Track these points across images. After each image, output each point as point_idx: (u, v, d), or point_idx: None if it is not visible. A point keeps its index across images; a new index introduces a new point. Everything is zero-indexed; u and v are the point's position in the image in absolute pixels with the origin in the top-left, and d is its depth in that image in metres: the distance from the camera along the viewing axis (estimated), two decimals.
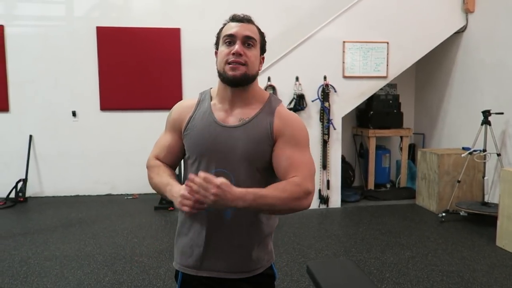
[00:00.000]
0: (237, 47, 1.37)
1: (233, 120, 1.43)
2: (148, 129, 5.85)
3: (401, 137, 5.85)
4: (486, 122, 4.44)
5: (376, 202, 5.39)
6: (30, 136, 5.67)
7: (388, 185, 5.96)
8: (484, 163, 4.65)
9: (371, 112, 5.69)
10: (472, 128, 4.82)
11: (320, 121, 5.13)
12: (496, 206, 4.10)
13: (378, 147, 5.82)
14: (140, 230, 4.31)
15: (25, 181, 5.55)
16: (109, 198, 5.72)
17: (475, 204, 4.53)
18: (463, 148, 4.85)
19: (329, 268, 2.00)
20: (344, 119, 5.37)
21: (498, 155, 4.42)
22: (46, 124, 5.69)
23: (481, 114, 4.49)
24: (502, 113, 4.43)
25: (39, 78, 5.62)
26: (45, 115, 5.68)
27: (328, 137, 5.12)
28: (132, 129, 5.84)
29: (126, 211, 5.06)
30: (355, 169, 6.16)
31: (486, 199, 4.61)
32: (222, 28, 1.45)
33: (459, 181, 4.62)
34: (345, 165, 5.80)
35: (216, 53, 1.46)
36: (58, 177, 5.79)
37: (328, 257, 1.93)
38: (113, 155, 5.85)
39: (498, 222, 3.79)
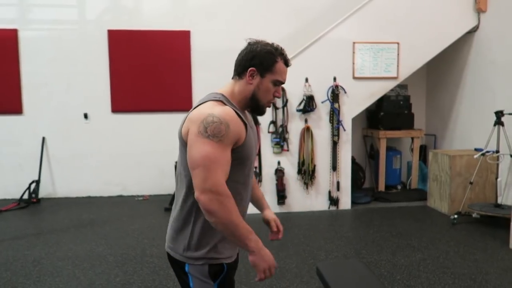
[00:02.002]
0: (280, 93, 1.58)
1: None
2: (159, 131, 5.92)
3: (412, 138, 5.80)
4: (499, 122, 4.38)
5: (386, 204, 5.34)
6: (43, 138, 5.76)
7: (399, 187, 5.90)
8: (497, 164, 4.59)
9: (382, 113, 5.65)
10: (485, 129, 4.76)
11: (330, 122, 5.11)
12: (509, 208, 4.04)
13: (388, 149, 5.77)
14: (150, 231, 4.34)
15: (38, 182, 5.64)
16: (120, 199, 5.77)
17: (488, 206, 4.47)
18: (476, 149, 4.79)
19: (339, 270, 1.99)
20: (354, 120, 5.35)
21: (511, 156, 4.35)
22: (59, 126, 5.77)
23: (494, 114, 4.43)
24: None
25: (52, 81, 5.71)
26: (57, 117, 5.76)
27: (338, 139, 5.10)
28: (143, 130, 5.89)
29: (136, 212, 5.10)
30: (365, 171, 6.13)
31: (499, 201, 4.54)
32: (273, 60, 1.50)
33: (471, 183, 4.56)
34: (355, 167, 5.77)
35: (255, 73, 1.50)
36: (70, 178, 5.86)
37: (338, 259, 1.92)
38: (124, 156, 5.91)
39: None
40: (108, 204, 5.54)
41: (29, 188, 5.55)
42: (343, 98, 5.10)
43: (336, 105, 5.05)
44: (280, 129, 5.04)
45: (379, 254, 3.64)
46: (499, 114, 4.38)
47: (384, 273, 3.26)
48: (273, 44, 1.54)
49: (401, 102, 5.74)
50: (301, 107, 5.02)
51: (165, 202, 5.39)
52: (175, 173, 1.67)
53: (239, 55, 1.55)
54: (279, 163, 5.08)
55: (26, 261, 3.57)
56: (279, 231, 1.78)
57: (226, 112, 1.40)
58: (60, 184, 5.87)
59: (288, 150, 5.09)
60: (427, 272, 3.26)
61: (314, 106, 5.04)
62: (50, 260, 3.59)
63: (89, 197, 5.88)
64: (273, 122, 5.05)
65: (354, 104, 5.15)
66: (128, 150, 5.91)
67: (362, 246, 3.86)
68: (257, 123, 5.02)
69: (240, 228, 1.37)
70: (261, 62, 1.49)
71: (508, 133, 4.41)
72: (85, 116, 5.79)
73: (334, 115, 5.07)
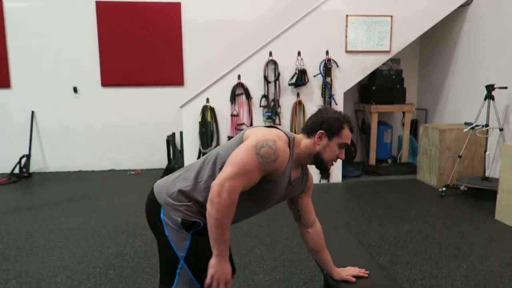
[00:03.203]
0: (343, 155, 1.71)
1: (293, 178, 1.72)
2: (150, 105, 5.87)
3: (404, 113, 5.82)
4: (489, 96, 4.40)
5: (377, 177, 5.41)
6: (32, 112, 5.69)
7: (390, 161, 5.97)
8: (486, 138, 4.64)
9: (374, 88, 5.64)
10: (476, 103, 4.79)
11: (322, 96, 5.10)
12: (496, 181, 4.11)
13: (380, 123, 5.80)
14: (142, 204, 4.32)
15: (28, 157, 5.61)
16: (112, 174, 5.77)
17: (476, 179, 4.55)
18: (466, 123, 4.83)
19: (328, 240, 2.03)
20: (346, 94, 5.34)
21: (501, 130, 4.40)
22: (48, 100, 5.70)
23: (485, 88, 4.44)
24: (506, 88, 4.38)
25: (40, 54, 5.59)
26: (46, 91, 5.68)
27: None
28: (134, 105, 5.84)
29: (129, 186, 5.12)
30: (356, 145, 6.17)
31: (487, 174, 4.62)
32: (341, 126, 1.66)
33: (460, 156, 4.62)
34: None
35: (323, 135, 1.65)
36: (61, 153, 5.84)
37: (327, 230, 1.96)
38: (116, 131, 5.88)
39: (498, 196, 3.81)
40: (100, 178, 5.54)
41: (19, 162, 5.52)
42: (335, 72, 5.08)
43: (328, 79, 5.03)
44: (272, 103, 5.02)
45: (368, 226, 3.72)
46: (489, 88, 4.40)
47: (373, 243, 3.33)
48: (340, 112, 1.71)
49: (393, 77, 5.73)
50: (293, 81, 4.99)
51: (157, 176, 5.37)
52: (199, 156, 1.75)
53: (310, 118, 1.71)
54: None
55: (18, 234, 3.59)
56: (360, 273, 1.93)
57: (283, 149, 1.55)
58: (51, 158, 5.85)
59: (280, 124, 5.09)
60: (414, 243, 3.34)
61: (306, 80, 5.01)
62: (42, 233, 3.61)
63: (80, 172, 5.87)
64: (265, 96, 5.02)
65: (346, 78, 5.13)
66: (119, 124, 5.87)
67: (352, 218, 3.93)
68: (249, 97, 5.01)
69: (224, 233, 1.49)
70: (330, 127, 1.65)
71: (498, 107, 4.44)
72: (75, 90, 5.71)
73: (326, 89, 5.05)
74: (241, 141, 1.60)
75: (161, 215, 1.61)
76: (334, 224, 3.76)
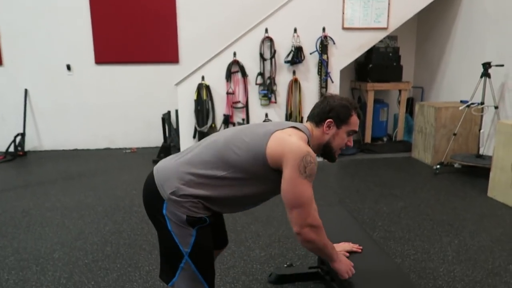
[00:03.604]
0: (352, 142, 1.72)
1: None
2: (145, 83, 5.82)
3: (400, 91, 5.80)
4: (485, 74, 4.38)
5: (372, 155, 5.44)
6: (26, 90, 5.63)
7: (385, 139, 5.99)
8: (481, 116, 4.65)
9: (370, 65, 5.60)
10: (472, 81, 4.78)
11: (318, 74, 5.06)
12: (490, 158, 4.15)
13: (376, 101, 5.79)
14: (138, 182, 4.38)
15: (23, 135, 5.58)
16: (108, 152, 5.77)
17: (470, 157, 4.58)
18: (461, 101, 4.83)
19: (323, 216, 2.04)
20: (343, 72, 5.31)
21: (496, 108, 4.40)
22: (41, 78, 5.63)
23: (482, 66, 4.42)
24: (502, 65, 4.36)
25: (32, 30, 5.49)
26: (39, 68, 5.60)
27: (326, 91, 5.08)
28: (129, 82, 5.78)
29: (124, 165, 5.12)
30: None
31: (480, 152, 4.65)
32: (349, 113, 1.65)
33: (455, 134, 4.64)
34: None
35: (332, 124, 1.65)
36: (56, 131, 5.81)
37: (322, 207, 1.99)
38: (111, 109, 5.84)
39: (491, 174, 3.85)
40: (96, 156, 5.53)
41: (14, 141, 5.49)
42: (331, 50, 5.03)
43: (324, 57, 4.99)
44: (268, 81, 4.98)
45: (363, 203, 3.76)
46: (486, 65, 4.37)
47: (367, 220, 3.38)
48: (347, 98, 1.70)
49: (390, 54, 5.68)
50: (289, 58, 4.94)
51: (153, 154, 5.41)
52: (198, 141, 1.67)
53: (316, 107, 1.69)
54: (266, 115, 5.08)
55: (14, 212, 3.60)
56: (353, 248, 1.98)
57: (313, 152, 1.54)
58: (46, 137, 5.82)
59: (275, 102, 5.07)
60: (407, 219, 3.39)
61: (302, 58, 4.97)
62: (39, 211, 3.63)
63: (76, 150, 5.86)
64: (261, 74, 4.98)
65: (343, 55, 5.09)
66: (114, 102, 5.82)
67: (346, 195, 3.97)
68: (244, 74, 4.96)
69: (328, 248, 1.67)
70: (337, 115, 1.64)
71: (494, 85, 4.44)
72: (68, 67, 5.64)
73: (322, 67, 5.01)
74: (262, 148, 1.51)
75: (164, 211, 1.52)
76: (329, 201, 3.80)
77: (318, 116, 1.66)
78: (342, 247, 1.95)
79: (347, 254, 1.92)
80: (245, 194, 1.59)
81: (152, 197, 1.56)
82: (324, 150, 1.69)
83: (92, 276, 2.56)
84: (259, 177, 1.55)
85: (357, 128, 1.71)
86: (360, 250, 1.96)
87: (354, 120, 1.67)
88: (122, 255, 2.83)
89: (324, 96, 1.72)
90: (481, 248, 2.88)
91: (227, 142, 1.57)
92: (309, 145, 1.59)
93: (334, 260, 1.72)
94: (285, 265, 2.62)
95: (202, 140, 1.68)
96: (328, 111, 1.64)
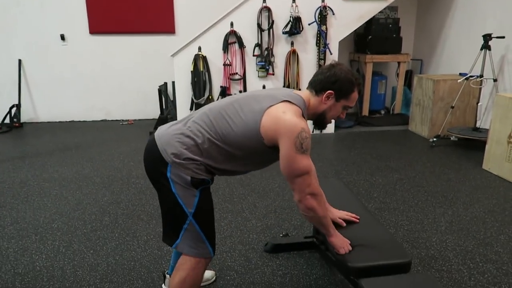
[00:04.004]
0: (344, 115, 1.73)
1: None
2: (141, 54, 5.73)
3: (399, 63, 5.74)
4: (486, 46, 4.32)
5: (369, 128, 5.44)
6: (19, 61, 5.54)
7: (383, 112, 5.97)
8: (480, 88, 4.63)
9: (370, 37, 5.52)
10: (472, 54, 4.72)
11: (317, 45, 4.99)
12: (486, 131, 4.15)
13: (374, 73, 5.74)
14: (136, 154, 4.39)
15: (18, 106, 5.53)
16: (104, 124, 5.75)
17: (466, 130, 4.59)
18: (460, 74, 4.79)
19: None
20: (342, 44, 5.23)
21: (495, 80, 4.37)
22: (35, 48, 5.53)
23: (482, 38, 4.36)
24: (503, 37, 4.30)
25: None
26: (32, 38, 5.49)
27: (324, 62, 5.02)
28: (124, 53, 5.69)
29: (121, 136, 5.11)
30: None
31: (478, 125, 4.66)
32: (351, 89, 1.63)
33: (452, 107, 4.63)
34: None
35: (332, 96, 1.63)
36: (52, 103, 5.76)
37: (318, 178, 2.01)
38: (107, 80, 5.77)
39: (487, 146, 3.87)
40: (92, 128, 5.52)
41: (9, 112, 5.45)
42: (331, 20, 4.93)
43: (323, 28, 4.90)
44: (265, 52, 4.91)
45: (358, 175, 3.79)
46: (486, 37, 4.31)
47: (362, 191, 3.42)
48: (353, 73, 1.66)
49: (390, 25, 5.59)
50: (287, 29, 4.86)
51: (150, 126, 5.40)
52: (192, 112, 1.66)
53: (320, 74, 1.65)
54: (264, 87, 5.03)
55: (12, 183, 3.62)
56: (351, 218, 1.99)
57: (307, 127, 1.54)
58: (42, 108, 5.78)
59: (273, 74, 5.02)
60: (402, 191, 3.43)
61: (301, 28, 4.88)
62: (36, 182, 3.64)
63: (72, 122, 5.84)
64: (258, 45, 4.91)
65: (342, 26, 5.00)
66: (110, 74, 5.75)
67: (343, 167, 3.99)
68: (242, 45, 4.89)
69: (327, 220, 1.71)
70: (340, 88, 1.61)
71: (494, 57, 4.39)
72: (62, 37, 5.53)
73: (321, 38, 4.94)
74: (256, 125, 1.51)
75: (168, 173, 1.54)
76: (325, 173, 3.83)
77: (320, 84, 1.63)
78: (340, 214, 1.97)
79: (344, 224, 1.94)
80: (244, 163, 1.64)
81: (156, 162, 1.58)
82: (318, 118, 1.69)
83: (91, 245, 2.60)
84: (256, 151, 1.59)
85: (353, 104, 1.70)
86: (357, 220, 1.99)
87: (354, 96, 1.66)
88: (120, 225, 2.86)
89: (331, 64, 1.67)
90: (473, 219, 2.93)
91: (222, 111, 1.59)
92: (304, 117, 1.59)
93: (331, 235, 1.74)
94: (281, 235, 2.67)
95: (200, 108, 1.69)
96: (332, 82, 1.61)
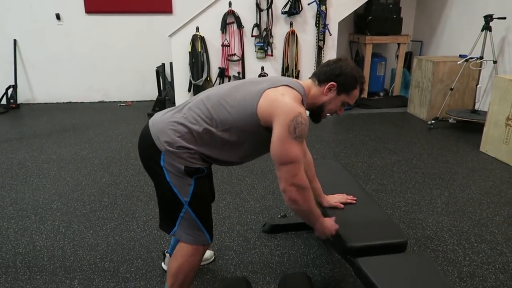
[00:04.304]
0: (342, 112, 1.70)
1: None
2: (138, 34, 5.66)
3: (399, 44, 5.69)
4: (486, 27, 4.28)
5: (368, 110, 5.43)
6: (15, 41, 5.46)
7: (382, 94, 5.95)
8: (480, 70, 4.60)
9: (370, 17, 5.45)
10: (473, 35, 4.68)
11: (316, 26, 4.93)
12: (485, 114, 4.15)
13: (374, 55, 5.69)
14: (134, 135, 4.38)
15: (15, 87, 5.48)
16: (102, 105, 5.72)
17: (465, 112, 4.59)
18: (460, 56, 4.76)
19: (318, 169, 2.08)
20: (341, 24, 5.17)
21: (495, 62, 4.35)
22: (30, 28, 5.44)
23: (483, 19, 4.31)
24: (504, 18, 4.25)
25: None
26: (27, 18, 5.40)
27: (323, 43, 4.98)
28: (121, 34, 5.62)
29: (119, 118, 5.10)
30: None
31: (476, 107, 4.65)
32: (354, 86, 1.61)
33: (451, 89, 4.62)
34: None
35: (334, 88, 1.60)
36: (49, 84, 5.71)
37: (316, 160, 2.02)
38: (104, 61, 5.71)
39: (485, 129, 3.87)
40: (90, 110, 5.49)
41: (6, 93, 5.41)
42: (330, 0, 4.86)
43: (323, 8, 4.83)
44: (264, 33, 4.86)
45: (357, 156, 3.80)
46: (488, 18, 4.27)
47: (360, 173, 3.43)
48: (359, 70, 1.64)
49: (391, 6, 5.51)
50: (287, 9, 4.79)
51: (148, 108, 5.38)
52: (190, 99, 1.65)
53: (326, 65, 1.63)
54: (262, 68, 5.00)
55: (11, 164, 3.62)
56: (347, 200, 2.00)
57: (305, 113, 1.50)
58: (39, 89, 5.73)
59: (272, 55, 4.97)
60: (399, 172, 3.45)
61: (300, 8, 4.81)
62: (35, 163, 3.64)
63: (70, 103, 5.80)
64: (257, 25, 4.85)
65: (342, 6, 4.93)
66: (108, 54, 5.69)
67: (341, 149, 4.00)
68: (240, 26, 4.83)
69: (313, 213, 1.63)
70: (344, 82, 1.60)
71: (494, 38, 4.35)
72: (57, 17, 5.44)
73: (320, 18, 4.87)
74: (253, 107, 1.49)
75: (161, 162, 1.52)
76: (323, 155, 3.84)
77: (324, 75, 1.61)
78: (337, 199, 2.00)
79: (342, 206, 1.96)
80: (239, 150, 1.60)
81: (149, 150, 1.56)
82: (316, 110, 1.67)
83: (90, 225, 2.62)
84: (252, 135, 1.55)
85: (353, 102, 1.68)
86: (354, 202, 2.01)
87: (355, 93, 1.64)
88: (119, 205, 2.88)
89: (339, 58, 1.66)
90: (469, 200, 2.96)
91: (220, 99, 1.55)
92: (303, 104, 1.57)
93: (315, 225, 1.69)
94: (279, 216, 2.69)
95: (197, 95, 1.67)
96: (337, 74, 1.59)
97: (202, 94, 1.63)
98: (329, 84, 1.60)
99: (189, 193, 1.55)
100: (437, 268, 1.54)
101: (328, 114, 1.70)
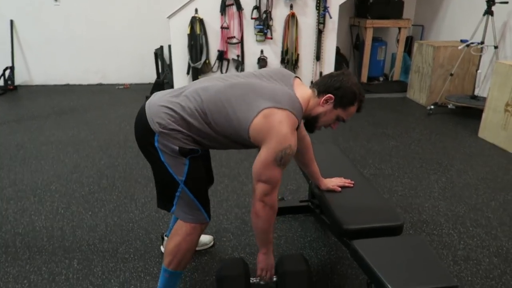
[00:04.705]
0: (335, 127, 1.69)
1: None
2: (136, 16, 5.59)
3: (399, 29, 5.64)
4: (488, 12, 4.24)
5: (367, 95, 5.31)
6: (11, 21, 5.39)
7: (381, 79, 5.93)
8: (480, 56, 4.58)
9: (371, 1, 5.38)
10: (474, 20, 4.63)
11: (316, 9, 4.88)
12: (484, 100, 4.14)
13: (374, 39, 5.64)
14: (132, 118, 4.33)
15: (12, 69, 5.44)
16: (100, 88, 5.69)
17: (464, 98, 4.58)
18: (461, 41, 4.72)
19: (316, 153, 2.08)
20: (342, 7, 5.11)
21: (496, 47, 4.32)
22: (27, 8, 5.37)
23: (485, 4, 4.26)
24: (506, 2, 4.20)
25: None
26: None
27: (324, 27, 4.93)
28: (119, 15, 5.54)
29: (118, 100, 5.08)
30: (349, 62, 6.07)
31: (476, 93, 4.64)
32: (352, 102, 1.60)
33: (451, 74, 4.60)
34: (339, 57, 5.69)
35: (331, 101, 1.59)
36: (46, 65, 5.66)
37: (314, 144, 2.03)
38: (101, 43, 5.65)
39: (484, 114, 3.87)
40: (88, 92, 5.46)
41: (3, 74, 5.37)
42: None
43: None
44: (264, 16, 4.80)
45: (355, 141, 3.81)
46: (490, 2, 4.22)
47: (358, 157, 3.45)
48: (360, 87, 1.63)
49: None
50: None
51: (146, 90, 5.33)
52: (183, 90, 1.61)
53: (328, 77, 1.63)
54: (262, 51, 4.96)
55: (9, 145, 3.62)
56: (345, 184, 2.01)
57: (295, 142, 1.51)
58: (36, 71, 5.69)
59: (271, 38, 4.93)
60: (397, 157, 3.46)
61: None
62: (33, 145, 3.64)
63: (67, 85, 5.77)
64: (257, 8, 4.79)
65: None
66: (105, 36, 5.62)
67: (339, 133, 4.00)
68: (240, 8, 4.77)
69: (268, 236, 1.67)
70: (342, 96, 1.58)
71: (496, 23, 4.31)
72: None
73: (321, 1, 4.81)
74: (247, 122, 1.47)
75: (156, 143, 1.53)
76: (322, 139, 3.83)
77: (324, 86, 1.60)
78: (334, 182, 2.01)
79: (339, 189, 1.97)
80: (229, 145, 1.63)
81: (144, 131, 1.57)
82: (310, 120, 1.65)
83: (89, 207, 2.64)
84: (238, 139, 1.57)
85: (347, 119, 1.66)
86: (351, 185, 2.02)
87: (352, 110, 1.63)
88: (118, 187, 2.90)
89: (342, 71, 1.65)
90: (466, 186, 2.98)
91: (217, 100, 1.52)
92: (298, 119, 1.54)
93: (263, 251, 1.71)
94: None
95: (195, 82, 1.65)
96: (336, 87, 1.58)
97: (201, 85, 1.60)
98: (326, 95, 1.58)
99: (184, 172, 1.56)
100: (432, 250, 1.56)
101: (321, 128, 1.68)
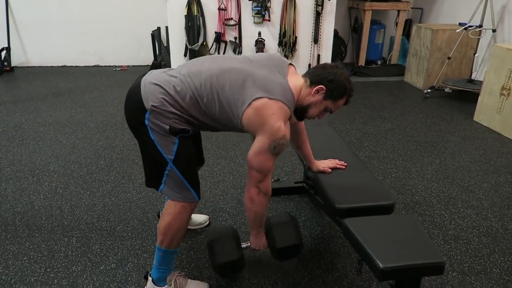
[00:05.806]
0: (322, 117, 1.73)
1: None
2: None
3: (398, 11, 5.60)
4: None
5: (365, 79, 5.42)
6: (6, 1, 5.33)
7: (379, 62, 5.91)
8: (478, 39, 4.57)
9: None
10: (473, 3, 4.60)
11: None
12: (481, 83, 4.16)
13: (373, 22, 5.60)
14: None
15: (8, 49, 5.40)
16: (97, 69, 5.66)
17: (461, 81, 4.59)
18: (460, 24, 4.70)
19: (312, 136, 2.12)
20: None
21: (494, 31, 4.31)
22: None
23: None
24: None
25: None
26: None
27: (322, 9, 4.89)
28: None
29: (115, 82, 5.07)
30: (347, 45, 6.04)
31: (473, 77, 4.65)
32: (341, 95, 1.64)
33: (449, 58, 4.59)
34: (338, 40, 5.66)
35: (322, 91, 1.62)
36: (42, 47, 5.62)
37: (312, 127, 2.05)
38: (98, 24, 5.60)
39: (480, 98, 3.89)
40: (85, 73, 5.44)
41: None
42: None
43: None
44: None
45: (351, 124, 3.83)
46: None
47: (354, 140, 3.48)
48: (351, 81, 1.66)
49: None
50: None
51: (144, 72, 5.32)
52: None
53: (321, 68, 1.65)
54: (259, 33, 4.93)
55: (7, 126, 3.63)
56: (337, 165, 2.06)
57: (289, 133, 1.57)
58: (32, 52, 5.65)
59: (269, 20, 4.89)
60: (393, 140, 3.49)
61: None
62: (31, 126, 3.66)
63: (64, 67, 5.74)
64: None
65: None
66: (102, 17, 5.57)
67: (336, 117, 4.02)
68: None
69: (261, 220, 1.76)
70: (333, 89, 1.62)
71: (495, 6, 4.29)
72: None
73: None
74: (238, 111, 1.51)
75: (146, 121, 1.53)
76: (318, 122, 3.85)
77: (317, 77, 1.62)
78: (326, 164, 2.05)
79: (329, 171, 2.01)
80: (222, 129, 1.69)
81: (135, 108, 1.57)
82: (299, 110, 1.67)
83: (87, 187, 2.67)
84: (231, 126, 1.62)
85: (334, 110, 1.70)
86: (343, 167, 2.05)
87: (340, 103, 1.67)
88: (116, 168, 2.93)
89: (336, 65, 1.68)
90: (459, 168, 3.02)
91: (212, 85, 1.54)
92: (291, 110, 1.57)
93: (254, 234, 1.81)
94: (272, 180, 2.74)
95: (190, 63, 1.65)
96: (329, 80, 1.60)
97: (196, 67, 1.60)
98: (318, 86, 1.61)
99: (173, 151, 1.58)
100: (422, 228, 1.60)
101: (309, 118, 1.71)
